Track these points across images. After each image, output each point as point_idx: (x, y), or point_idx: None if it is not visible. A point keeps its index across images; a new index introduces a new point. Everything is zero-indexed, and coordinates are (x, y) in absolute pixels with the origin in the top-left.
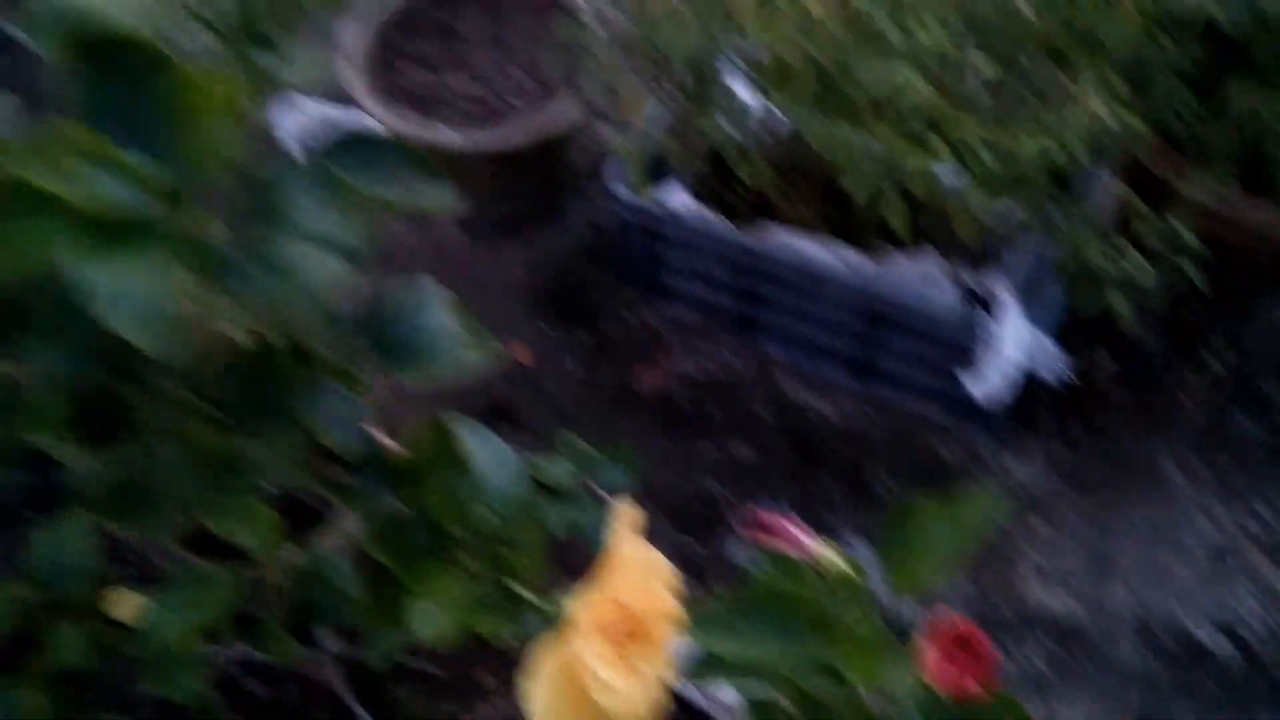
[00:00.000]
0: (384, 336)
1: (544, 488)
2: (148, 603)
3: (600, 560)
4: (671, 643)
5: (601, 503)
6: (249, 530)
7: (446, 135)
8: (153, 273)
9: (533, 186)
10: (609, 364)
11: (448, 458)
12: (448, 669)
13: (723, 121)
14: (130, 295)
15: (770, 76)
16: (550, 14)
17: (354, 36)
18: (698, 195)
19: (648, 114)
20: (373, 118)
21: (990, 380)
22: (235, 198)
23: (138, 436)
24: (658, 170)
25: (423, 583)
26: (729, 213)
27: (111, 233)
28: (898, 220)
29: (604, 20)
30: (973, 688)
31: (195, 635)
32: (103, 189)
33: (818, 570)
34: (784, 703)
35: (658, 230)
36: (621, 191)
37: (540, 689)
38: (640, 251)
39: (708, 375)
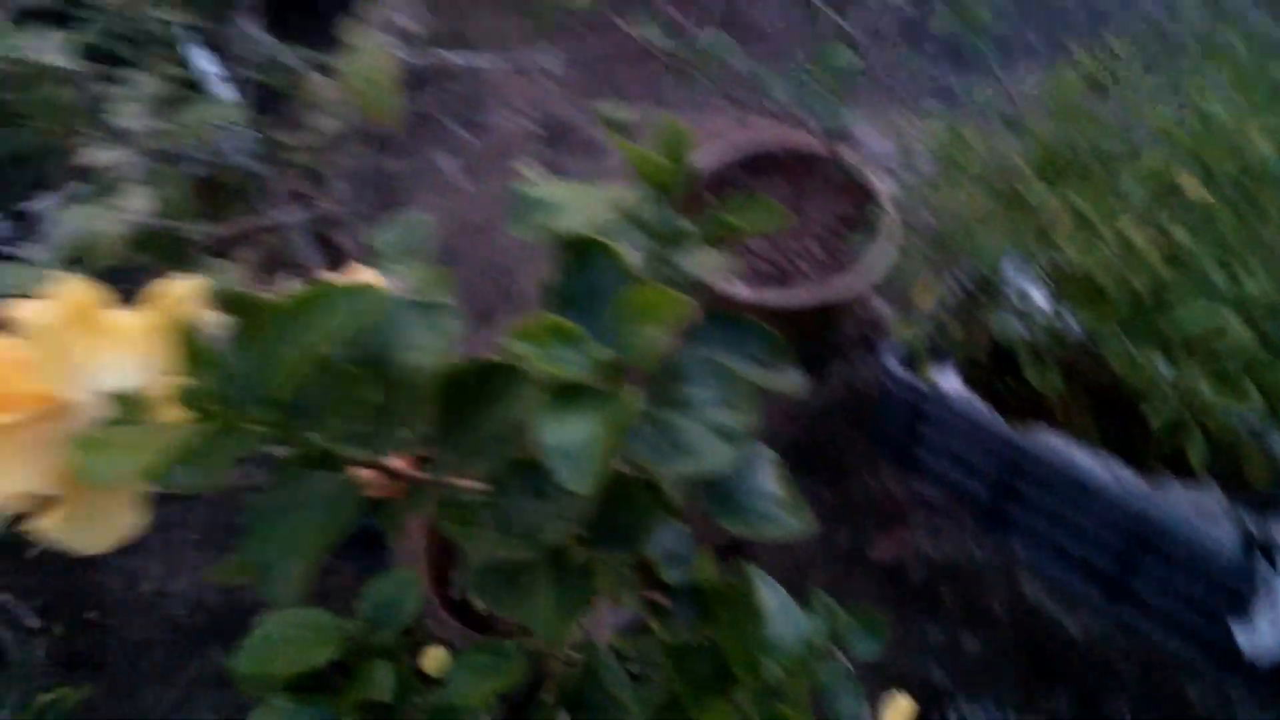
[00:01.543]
0: (719, 488)
1: None
2: (452, 661)
3: None
4: None
5: (843, 667)
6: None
7: (739, 289)
8: (593, 432)
9: (805, 345)
10: (848, 525)
11: (746, 605)
12: None
13: (1011, 319)
14: (572, 448)
15: (1075, 290)
16: (850, 193)
17: None
18: (969, 382)
19: (933, 297)
20: None
21: (1263, 633)
22: (654, 381)
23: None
24: (932, 349)
25: (704, 714)
26: (999, 405)
27: (566, 398)
28: (1195, 453)
29: (903, 207)
30: None
31: (489, 699)
32: (567, 362)
33: None
34: None
35: (921, 407)
36: (893, 364)
37: None
38: (900, 424)
39: (947, 559)
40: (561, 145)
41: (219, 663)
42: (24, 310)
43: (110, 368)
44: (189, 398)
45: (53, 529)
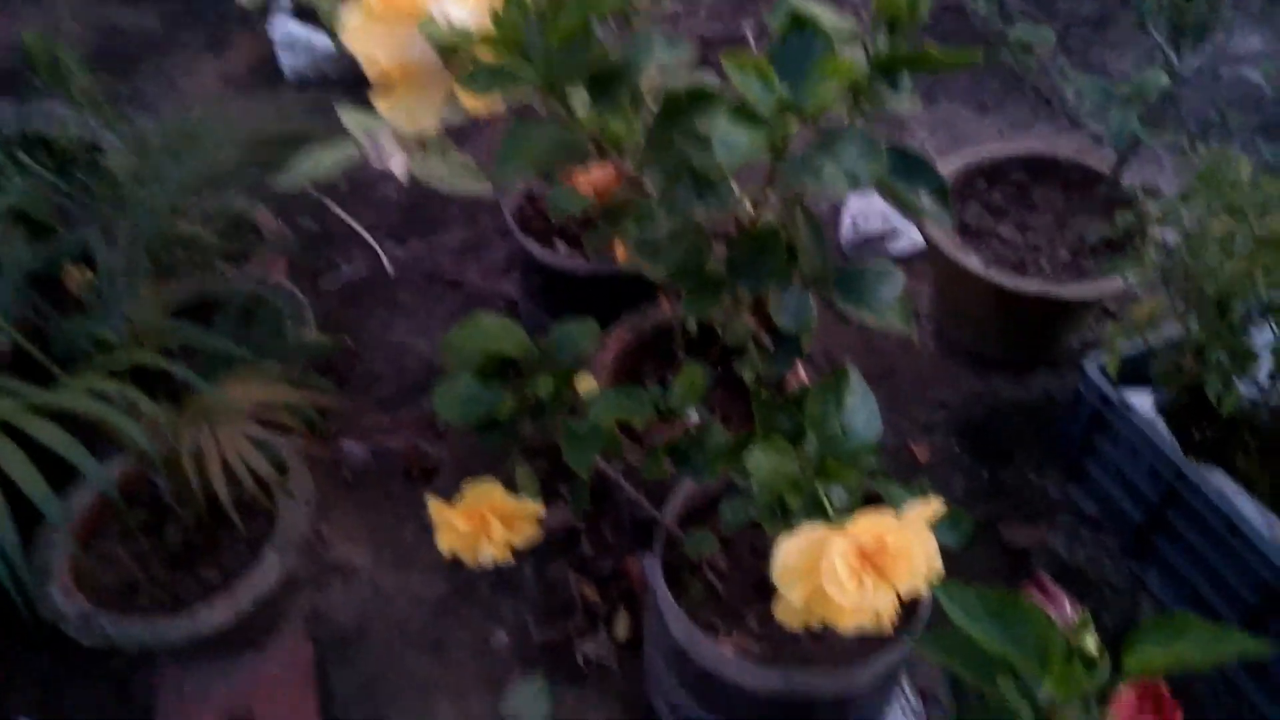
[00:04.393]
0: (849, 280)
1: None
2: (597, 391)
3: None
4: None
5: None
6: (683, 385)
7: (970, 260)
8: (752, 140)
9: (1020, 343)
10: (992, 503)
11: (836, 389)
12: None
13: (1225, 362)
14: (733, 144)
15: None
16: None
17: (948, 171)
18: (1160, 408)
19: (1158, 322)
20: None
21: None
22: (818, 135)
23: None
24: (1136, 372)
25: (768, 445)
26: (1182, 437)
27: (743, 116)
28: None
29: (1160, 242)
30: None
31: (615, 427)
32: (753, 93)
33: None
34: None
35: (1105, 417)
36: (1092, 370)
37: (789, 554)
38: (1079, 430)
39: (1076, 565)
40: None
41: (428, 409)
42: None
43: (457, 6)
44: (495, 39)
45: (385, 108)
